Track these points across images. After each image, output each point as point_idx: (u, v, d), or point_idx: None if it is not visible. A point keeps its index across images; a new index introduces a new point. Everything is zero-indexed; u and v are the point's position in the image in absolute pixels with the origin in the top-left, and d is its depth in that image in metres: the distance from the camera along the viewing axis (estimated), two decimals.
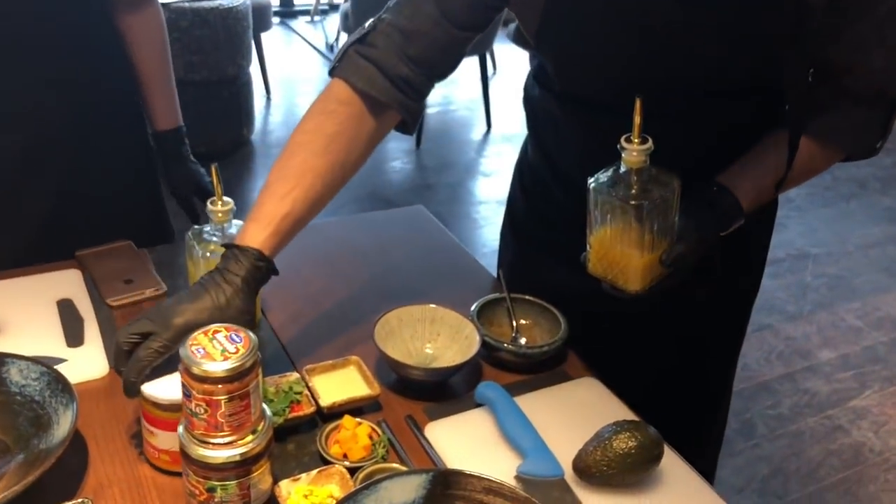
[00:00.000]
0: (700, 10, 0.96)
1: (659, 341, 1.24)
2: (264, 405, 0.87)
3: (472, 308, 1.17)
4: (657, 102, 1.02)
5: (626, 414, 1.06)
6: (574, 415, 1.05)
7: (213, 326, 0.83)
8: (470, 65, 4.28)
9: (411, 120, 1.06)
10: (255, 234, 0.96)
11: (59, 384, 0.94)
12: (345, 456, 0.95)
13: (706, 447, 1.34)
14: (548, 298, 1.19)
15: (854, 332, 2.92)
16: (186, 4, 3.44)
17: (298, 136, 1.02)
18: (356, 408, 1.03)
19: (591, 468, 0.93)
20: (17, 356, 0.98)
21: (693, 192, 1.00)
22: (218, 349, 0.80)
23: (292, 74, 5.03)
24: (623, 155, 0.94)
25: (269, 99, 4.54)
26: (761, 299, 1.35)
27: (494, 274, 1.36)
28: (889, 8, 0.95)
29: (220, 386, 0.78)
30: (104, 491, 0.90)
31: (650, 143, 0.93)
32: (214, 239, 1.11)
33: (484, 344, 1.11)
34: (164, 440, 0.90)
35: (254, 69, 3.96)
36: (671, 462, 0.98)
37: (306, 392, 1.02)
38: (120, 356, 0.91)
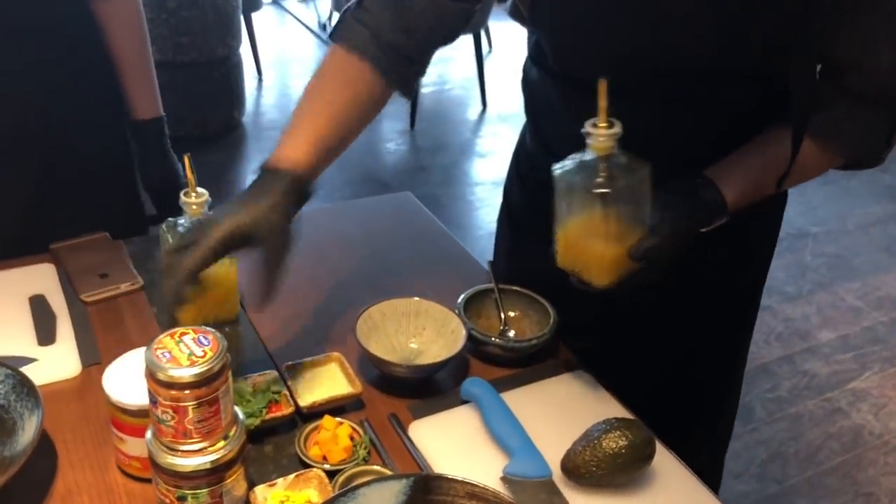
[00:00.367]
0: None
1: (655, 334, 1.20)
2: (236, 408, 0.83)
3: (459, 300, 1.13)
4: (652, 86, 0.98)
5: (618, 410, 1.03)
6: (563, 411, 1.01)
7: (180, 329, 0.79)
8: (464, 43, 4.21)
9: (402, 86, 1.05)
10: (289, 154, 0.95)
11: (25, 387, 0.90)
12: (324, 458, 0.92)
13: (706, 445, 1.29)
14: (544, 288, 1.15)
15: (854, 312, 2.89)
16: None
17: (318, 77, 1.03)
18: (337, 407, 0.99)
19: (580, 468, 0.90)
20: None
21: (674, 182, 0.96)
22: (185, 353, 0.76)
23: (284, 55, 4.96)
24: (588, 141, 0.89)
25: (260, 80, 4.48)
26: None
27: (485, 263, 1.32)
28: None
29: (187, 392, 0.75)
30: (73, 498, 0.86)
31: (617, 128, 0.88)
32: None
33: (471, 338, 1.07)
34: (133, 446, 0.86)
35: (244, 50, 3.89)
36: (664, 461, 0.95)
37: (285, 391, 0.98)
38: (165, 278, 0.88)
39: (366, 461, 0.92)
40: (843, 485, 2.17)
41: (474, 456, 0.95)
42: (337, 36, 1.03)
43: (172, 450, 0.78)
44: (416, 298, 1.11)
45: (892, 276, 3.12)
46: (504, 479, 0.91)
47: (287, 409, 0.96)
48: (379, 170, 3.67)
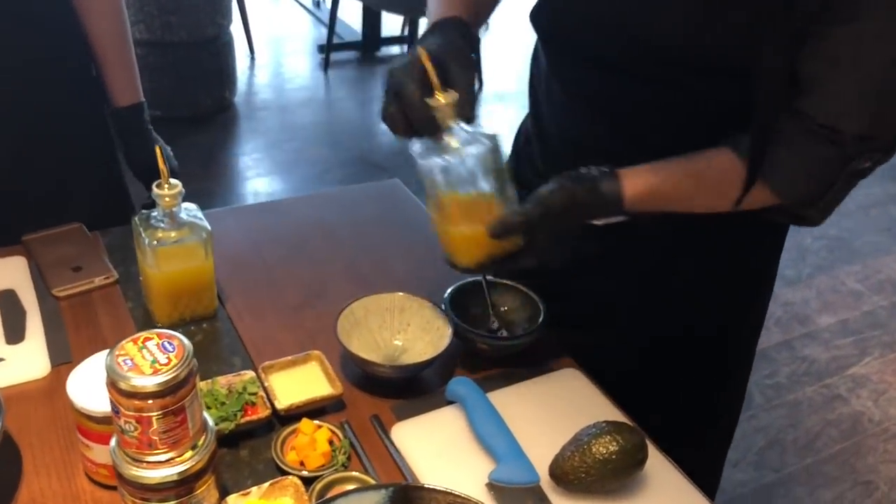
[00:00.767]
0: None
1: (647, 327, 1.16)
2: (206, 415, 0.79)
3: (446, 294, 1.08)
4: (639, 64, 0.93)
5: (610, 410, 0.99)
6: (553, 412, 0.97)
7: (144, 333, 0.74)
8: None
9: None
10: (450, 8, 0.94)
11: None
12: (302, 464, 0.88)
13: (704, 448, 1.25)
14: (534, 280, 1.11)
15: (854, 296, 2.85)
16: None
17: None
18: (317, 409, 0.95)
19: (569, 475, 0.86)
20: None
21: (578, 169, 0.92)
22: (148, 360, 0.71)
23: (278, 33, 4.87)
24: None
25: (253, 59, 4.40)
26: None
27: None
28: (878, 26, 0.77)
29: (150, 402, 0.70)
30: None
31: (453, 97, 0.86)
32: (163, 225, 1.02)
33: (457, 334, 1.03)
34: (100, 454, 0.82)
35: (236, 29, 3.82)
36: (658, 465, 0.91)
37: (262, 393, 0.94)
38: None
39: (345, 467, 0.89)
40: (841, 472, 2.14)
41: (459, 461, 0.91)
42: None
43: (137, 461, 0.74)
44: (401, 294, 1.06)
45: (893, 258, 3.07)
46: (490, 485, 0.88)
47: (264, 412, 0.92)
48: (373, 151, 3.61)
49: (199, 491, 0.77)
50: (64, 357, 1.00)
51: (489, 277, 1.12)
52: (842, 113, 0.83)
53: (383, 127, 3.72)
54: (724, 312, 1.15)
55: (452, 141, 0.88)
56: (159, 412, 0.71)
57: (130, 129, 1.39)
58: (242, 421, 0.90)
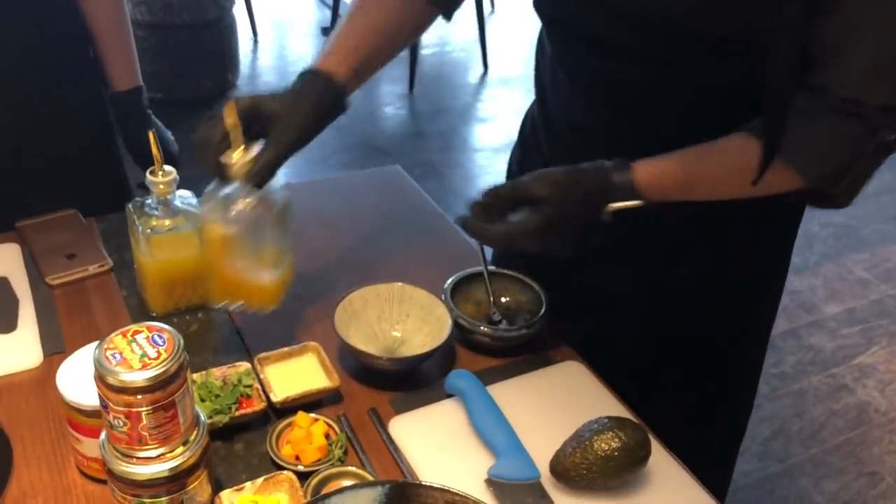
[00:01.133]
0: None
1: (654, 319, 1.13)
2: (198, 409, 0.77)
3: (446, 284, 1.06)
4: (644, 44, 0.90)
5: (613, 405, 0.97)
6: (554, 406, 0.95)
7: (133, 327, 0.72)
8: (466, 3, 4.08)
9: (443, 6, 1.06)
10: (326, 60, 0.94)
11: None
12: (297, 458, 0.86)
13: (714, 443, 1.23)
14: (535, 269, 1.09)
15: (861, 284, 2.82)
16: None
17: (343, 17, 1.02)
18: (313, 401, 0.93)
19: (570, 471, 0.84)
20: None
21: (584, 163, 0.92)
22: (137, 354, 0.69)
23: (282, 15, 4.82)
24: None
25: (256, 42, 4.36)
26: None
27: (476, 241, 1.26)
28: None
29: (139, 397, 0.69)
30: (27, 501, 0.81)
31: (246, 159, 0.88)
32: (157, 213, 1.00)
33: (457, 325, 1.01)
34: (91, 447, 0.80)
35: (239, 11, 3.78)
36: (661, 461, 0.89)
37: (257, 385, 0.92)
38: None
39: (342, 462, 0.87)
40: (846, 463, 2.13)
41: (458, 455, 0.89)
42: None
43: (127, 457, 0.72)
44: (400, 284, 1.04)
45: None
46: (489, 481, 0.86)
47: (259, 405, 0.90)
48: (376, 135, 3.58)
49: (191, 487, 0.75)
50: (57, 347, 0.99)
51: (491, 268, 1.10)
52: (863, 84, 0.79)
53: (387, 110, 3.71)
54: (733, 304, 1.13)
55: (240, 200, 0.90)
56: (149, 407, 0.69)
57: (129, 114, 1.37)
58: (237, 414, 0.88)
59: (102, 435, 0.74)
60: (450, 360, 1.02)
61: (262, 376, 0.93)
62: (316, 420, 0.89)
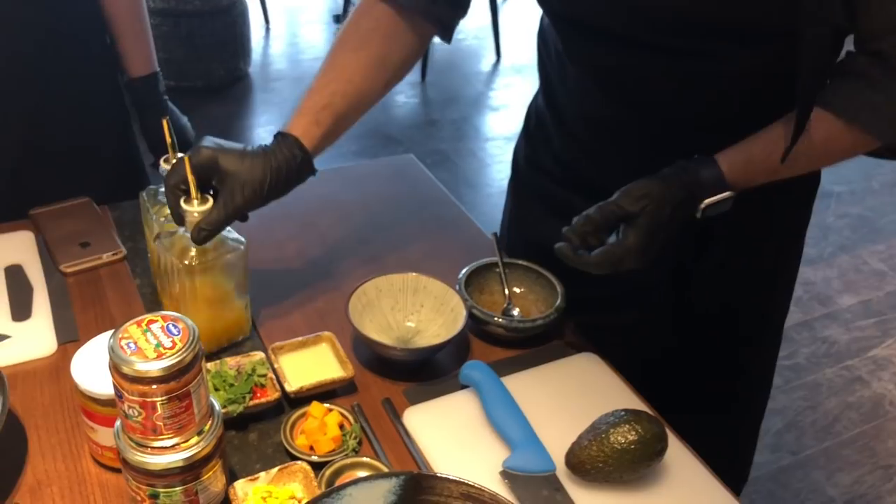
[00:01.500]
0: None
1: (671, 310, 1.12)
2: (213, 399, 0.77)
3: (461, 275, 1.05)
4: (663, 37, 0.89)
5: (628, 397, 0.96)
6: (570, 398, 0.94)
7: (148, 316, 0.72)
8: None
9: (440, 28, 1.03)
10: (297, 123, 0.95)
11: None
12: (312, 448, 0.86)
13: (726, 436, 1.22)
14: (546, 258, 1.08)
15: (877, 276, 2.79)
16: None
17: (337, 35, 1.01)
18: (327, 391, 0.92)
19: (586, 464, 0.83)
20: None
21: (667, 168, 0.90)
22: (152, 343, 0.69)
23: (294, 3, 4.80)
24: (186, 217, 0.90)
25: (268, 29, 4.35)
26: None
27: (491, 231, 1.25)
28: None
29: (154, 387, 0.68)
30: (42, 490, 0.81)
31: (202, 210, 0.89)
32: None
33: (472, 316, 1.00)
34: (105, 437, 0.80)
35: None
36: (678, 454, 0.88)
37: (271, 375, 0.92)
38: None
39: (356, 452, 0.86)
40: (860, 456, 2.11)
41: (473, 447, 0.89)
42: None
43: (142, 446, 0.72)
44: (414, 274, 1.03)
45: None
46: (504, 472, 0.85)
47: (273, 395, 0.89)
48: (388, 123, 3.57)
49: (205, 477, 0.75)
50: (70, 335, 0.99)
51: (506, 258, 1.09)
52: None
53: (399, 99, 3.70)
54: (749, 294, 1.12)
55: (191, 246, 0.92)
56: (164, 397, 0.69)
57: (145, 100, 1.37)
58: (251, 403, 0.88)
59: (117, 424, 0.74)
60: (464, 351, 1.02)
61: (276, 366, 0.93)
62: (330, 410, 0.89)
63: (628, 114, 0.99)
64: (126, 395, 0.69)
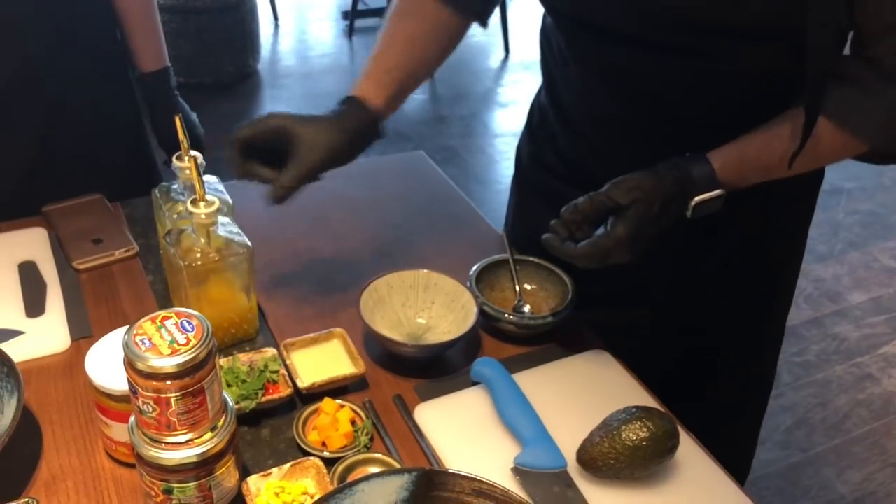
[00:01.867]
0: None
1: (678, 305, 1.12)
2: (226, 395, 0.77)
3: (471, 272, 1.06)
4: (669, 36, 0.89)
5: (639, 394, 0.96)
6: (581, 395, 0.95)
7: (162, 313, 0.72)
8: None
9: (475, 16, 1.05)
10: (365, 86, 0.98)
11: (5, 366, 0.85)
12: (324, 444, 0.86)
13: (737, 427, 1.22)
14: (548, 253, 1.08)
15: (888, 273, 2.78)
16: None
17: (390, 9, 1.04)
18: (339, 388, 0.93)
19: (597, 461, 0.83)
20: None
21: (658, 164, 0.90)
22: (166, 340, 0.69)
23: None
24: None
25: (277, 26, 4.36)
26: None
27: (500, 227, 1.25)
28: None
29: (168, 383, 0.69)
30: (57, 485, 0.82)
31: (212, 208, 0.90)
32: (183, 198, 1.00)
33: (483, 313, 1.00)
34: (119, 432, 0.81)
35: None
36: (689, 451, 0.88)
37: (283, 371, 0.92)
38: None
39: (367, 448, 0.87)
40: (870, 454, 2.10)
41: (484, 444, 0.89)
42: None
43: (156, 442, 0.72)
44: (425, 271, 1.03)
45: None
46: (515, 469, 0.85)
47: (285, 391, 0.90)
48: (397, 120, 3.55)
49: (219, 472, 0.76)
50: (84, 331, 0.99)
51: (517, 255, 1.09)
52: None
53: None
54: (755, 286, 1.12)
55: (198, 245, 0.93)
56: (178, 393, 0.69)
57: (156, 95, 1.37)
58: (263, 399, 0.88)
59: (131, 420, 0.75)
60: (475, 348, 1.02)
61: (288, 362, 0.93)
62: (342, 406, 0.89)
63: (633, 111, 0.99)
64: (140, 391, 0.69)
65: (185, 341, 0.69)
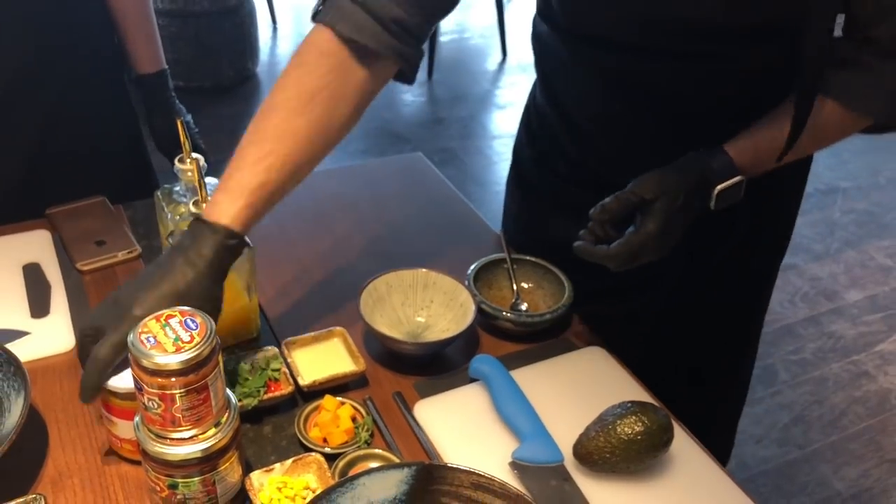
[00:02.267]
0: None
1: (671, 299, 1.14)
2: (229, 392, 0.79)
3: (469, 271, 1.07)
4: (670, 43, 0.91)
5: (635, 389, 0.98)
6: (577, 391, 0.96)
7: (166, 311, 0.74)
8: None
9: (409, 68, 0.92)
10: (226, 207, 0.82)
11: (12, 366, 0.87)
12: (325, 440, 0.88)
13: (718, 423, 1.25)
14: (551, 254, 1.09)
15: (883, 271, 2.80)
16: None
17: (275, 95, 0.88)
18: (339, 385, 0.94)
19: (594, 454, 0.85)
20: None
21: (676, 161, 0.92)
22: (170, 338, 0.71)
23: (301, 2, 4.82)
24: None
25: (275, 29, 4.37)
26: None
27: (498, 228, 1.27)
28: None
29: (173, 379, 0.70)
30: (63, 482, 0.83)
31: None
32: (185, 200, 1.01)
33: (481, 311, 1.02)
34: (124, 429, 0.82)
35: None
36: (683, 445, 0.90)
37: (284, 369, 0.94)
38: (84, 350, 0.80)
39: (368, 444, 0.88)
40: (867, 451, 2.12)
41: (482, 439, 0.90)
42: (322, 16, 0.87)
43: (161, 437, 0.74)
44: (424, 270, 1.05)
45: None
46: (513, 464, 0.87)
47: (287, 388, 0.91)
48: (394, 122, 3.59)
49: (222, 467, 0.77)
50: None
51: (514, 254, 1.11)
52: None
53: (406, 97, 3.70)
54: (747, 274, 1.15)
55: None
56: (182, 390, 0.71)
57: (154, 98, 1.38)
58: (265, 397, 0.90)
59: (137, 416, 0.76)
60: (473, 346, 1.04)
61: (289, 360, 0.95)
62: (342, 403, 0.91)
63: (634, 111, 1.01)
64: (146, 387, 0.71)
65: (189, 339, 0.71)
